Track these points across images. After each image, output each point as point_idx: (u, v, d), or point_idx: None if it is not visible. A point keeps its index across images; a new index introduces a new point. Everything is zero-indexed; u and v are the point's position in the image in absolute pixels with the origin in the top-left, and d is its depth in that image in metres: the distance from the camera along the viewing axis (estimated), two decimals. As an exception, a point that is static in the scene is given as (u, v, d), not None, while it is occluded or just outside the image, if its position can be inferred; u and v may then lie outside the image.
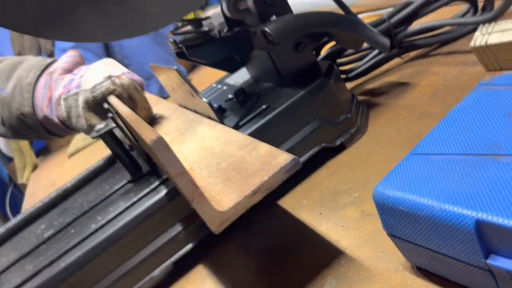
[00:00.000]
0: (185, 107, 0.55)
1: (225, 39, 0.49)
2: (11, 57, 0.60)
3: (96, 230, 0.39)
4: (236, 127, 0.43)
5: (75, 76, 0.53)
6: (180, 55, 0.49)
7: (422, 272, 0.26)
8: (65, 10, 0.35)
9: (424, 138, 0.27)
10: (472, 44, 0.40)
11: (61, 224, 0.45)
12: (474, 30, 0.47)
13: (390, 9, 0.50)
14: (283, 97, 0.43)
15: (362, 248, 0.31)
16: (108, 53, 1.01)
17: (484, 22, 0.41)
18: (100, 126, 0.43)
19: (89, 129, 0.52)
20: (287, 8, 0.43)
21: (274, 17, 0.43)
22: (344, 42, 0.47)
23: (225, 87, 0.58)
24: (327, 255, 0.32)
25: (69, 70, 0.55)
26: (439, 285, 0.25)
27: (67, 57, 0.57)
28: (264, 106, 0.44)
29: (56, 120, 0.54)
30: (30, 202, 0.90)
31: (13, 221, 0.43)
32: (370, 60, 0.52)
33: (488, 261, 0.20)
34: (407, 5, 0.49)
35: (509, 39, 0.37)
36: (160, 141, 0.24)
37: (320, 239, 0.34)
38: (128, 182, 0.45)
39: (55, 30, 0.35)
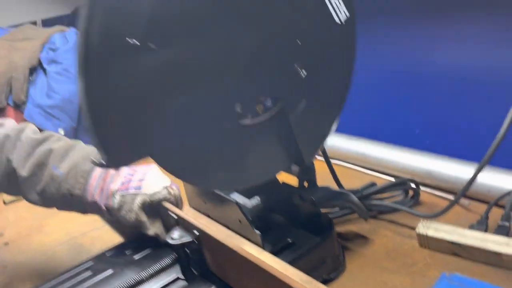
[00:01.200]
0: (206, 214, 0.71)
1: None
2: (64, 138, 0.68)
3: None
4: (273, 254, 0.60)
5: (133, 178, 0.65)
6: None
7: None
8: (204, 169, 0.51)
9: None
10: (417, 230, 0.67)
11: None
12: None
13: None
14: (303, 238, 0.63)
15: None
16: (79, 118, 1.07)
17: (426, 217, 0.68)
18: (176, 236, 0.56)
19: (135, 223, 0.64)
20: (315, 179, 0.65)
21: (305, 183, 0.64)
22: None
23: (235, 204, 0.75)
24: None
25: None
26: None
27: None
28: (289, 241, 0.63)
29: (103, 207, 0.64)
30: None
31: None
32: (343, 209, 0.76)
33: None
34: (372, 184, 0.76)
35: (440, 237, 0.64)
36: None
37: None
38: (179, 278, 0.59)
39: (196, 178, 0.51)
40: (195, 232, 0.57)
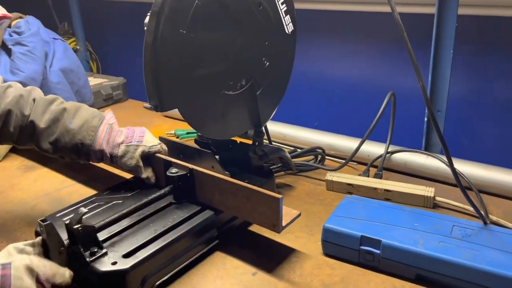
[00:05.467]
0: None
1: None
2: (71, 102, 0.87)
3: (175, 226, 0.75)
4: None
5: (134, 134, 0.86)
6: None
7: (328, 255, 0.78)
8: (204, 122, 0.76)
9: (335, 211, 0.81)
10: (326, 178, 0.99)
11: (137, 216, 0.76)
12: (317, 168, 1.07)
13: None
14: (254, 179, 0.90)
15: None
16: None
17: (330, 170, 1.01)
18: (174, 171, 0.80)
19: (134, 167, 0.85)
20: (262, 140, 0.93)
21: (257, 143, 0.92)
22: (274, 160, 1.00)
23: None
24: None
25: (117, 125, 0.88)
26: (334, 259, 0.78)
27: (112, 115, 0.89)
28: (246, 181, 0.89)
29: (108, 154, 0.84)
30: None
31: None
32: (279, 166, 1.06)
33: (361, 247, 0.74)
34: (294, 150, 1.07)
35: (340, 180, 0.98)
36: (282, 199, 0.70)
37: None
38: (172, 203, 0.81)
39: (200, 127, 0.76)
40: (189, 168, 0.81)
